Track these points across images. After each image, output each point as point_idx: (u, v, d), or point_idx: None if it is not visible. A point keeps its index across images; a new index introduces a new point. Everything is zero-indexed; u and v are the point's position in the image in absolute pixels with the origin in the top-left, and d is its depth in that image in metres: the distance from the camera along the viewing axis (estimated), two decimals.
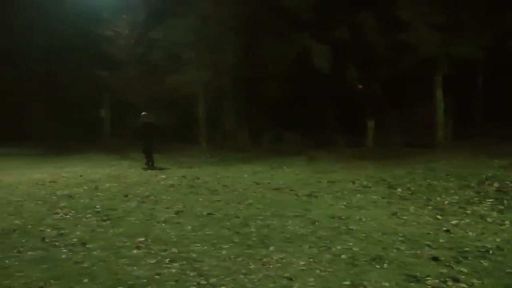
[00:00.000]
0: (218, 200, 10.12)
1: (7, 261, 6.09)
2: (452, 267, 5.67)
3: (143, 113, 16.86)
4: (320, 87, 22.39)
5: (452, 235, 7.12)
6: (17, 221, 8.30)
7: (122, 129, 25.27)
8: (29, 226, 7.92)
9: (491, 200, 9.73)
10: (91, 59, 23.44)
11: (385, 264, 5.82)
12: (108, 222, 8.16)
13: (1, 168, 16.65)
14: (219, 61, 21.50)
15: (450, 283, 5.21)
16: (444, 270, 5.57)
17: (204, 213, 8.76)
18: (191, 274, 5.53)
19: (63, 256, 6.30)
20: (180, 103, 23.26)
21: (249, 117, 23.06)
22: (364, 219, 8.21)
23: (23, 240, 7.05)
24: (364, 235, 7.16)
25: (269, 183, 12.52)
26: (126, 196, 10.71)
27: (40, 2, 24.84)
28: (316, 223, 7.96)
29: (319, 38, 20.39)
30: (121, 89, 23.81)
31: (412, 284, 5.21)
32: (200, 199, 10.25)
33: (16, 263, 6.03)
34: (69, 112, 26.60)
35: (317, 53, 20.29)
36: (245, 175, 14.11)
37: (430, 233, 7.21)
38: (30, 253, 6.44)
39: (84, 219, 8.45)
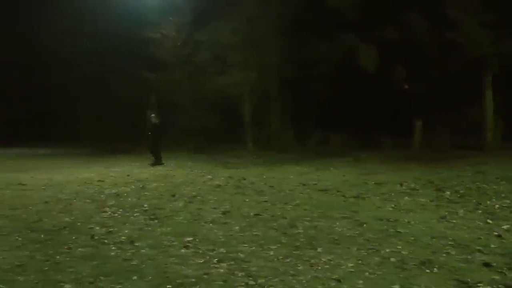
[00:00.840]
0: (265, 201, 10.11)
1: (58, 257, 6.23)
2: (505, 274, 5.48)
3: (152, 114, 17.99)
4: (366, 88, 22.16)
5: (504, 240, 6.89)
6: (66, 219, 8.49)
7: (168, 127, 25.54)
8: (78, 224, 8.09)
9: None
10: (138, 61, 23.78)
11: (435, 269, 5.69)
12: (156, 221, 8.25)
13: (50, 167, 17.06)
14: (265, 62, 21.52)
15: None
16: (497, 277, 5.39)
17: (251, 214, 8.77)
18: (239, 274, 5.54)
19: (112, 253, 6.41)
20: (226, 104, 23.34)
21: (295, 117, 23.00)
22: (413, 222, 8.06)
23: (73, 237, 7.20)
24: (412, 238, 7.03)
25: (315, 184, 12.45)
26: (173, 195, 10.81)
27: (87, 5, 25.39)
28: (364, 225, 7.86)
29: (365, 38, 20.18)
30: (167, 90, 24.06)
31: None
32: (247, 200, 10.28)
33: (67, 259, 6.16)
34: (116, 113, 27.05)
35: (363, 53, 20.09)
36: (292, 176, 14.07)
37: (480, 238, 7.01)
38: (80, 249, 6.58)
39: (132, 217, 8.58)
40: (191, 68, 23.22)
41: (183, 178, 13.94)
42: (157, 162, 17.45)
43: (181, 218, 8.52)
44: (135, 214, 8.83)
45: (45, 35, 26.71)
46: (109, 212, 9.03)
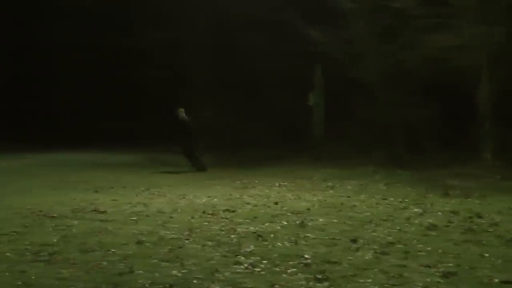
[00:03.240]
0: None
1: None
2: None
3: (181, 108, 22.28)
4: None
5: None
6: (174, 272, 8.54)
7: (342, 124, 25.60)
8: (194, 282, 8.09)
9: None
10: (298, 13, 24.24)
11: None
12: (326, 283, 8.06)
13: (149, 184, 17.66)
14: None
15: None
16: None
17: (495, 280, 8.29)
18: None
19: None
20: (443, 86, 22.98)
21: None
22: None
23: None
24: None
25: None
26: (353, 241, 10.68)
27: None
28: None
29: None
30: (341, 57, 24.12)
31: None
32: (487, 254, 9.80)
33: None
34: (257, 99, 27.86)
35: None
36: None
37: None
38: None
39: (284, 275, 8.46)
40: (385, 20, 23.10)
41: (371, 210, 13.86)
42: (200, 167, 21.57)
43: (370, 280, 8.26)
44: (289, 270, 8.71)
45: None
46: (245, 265, 9.01)
